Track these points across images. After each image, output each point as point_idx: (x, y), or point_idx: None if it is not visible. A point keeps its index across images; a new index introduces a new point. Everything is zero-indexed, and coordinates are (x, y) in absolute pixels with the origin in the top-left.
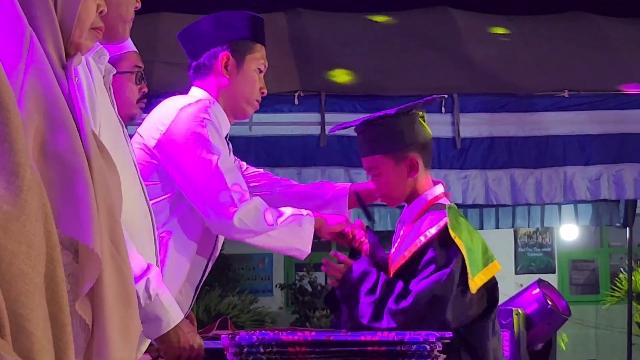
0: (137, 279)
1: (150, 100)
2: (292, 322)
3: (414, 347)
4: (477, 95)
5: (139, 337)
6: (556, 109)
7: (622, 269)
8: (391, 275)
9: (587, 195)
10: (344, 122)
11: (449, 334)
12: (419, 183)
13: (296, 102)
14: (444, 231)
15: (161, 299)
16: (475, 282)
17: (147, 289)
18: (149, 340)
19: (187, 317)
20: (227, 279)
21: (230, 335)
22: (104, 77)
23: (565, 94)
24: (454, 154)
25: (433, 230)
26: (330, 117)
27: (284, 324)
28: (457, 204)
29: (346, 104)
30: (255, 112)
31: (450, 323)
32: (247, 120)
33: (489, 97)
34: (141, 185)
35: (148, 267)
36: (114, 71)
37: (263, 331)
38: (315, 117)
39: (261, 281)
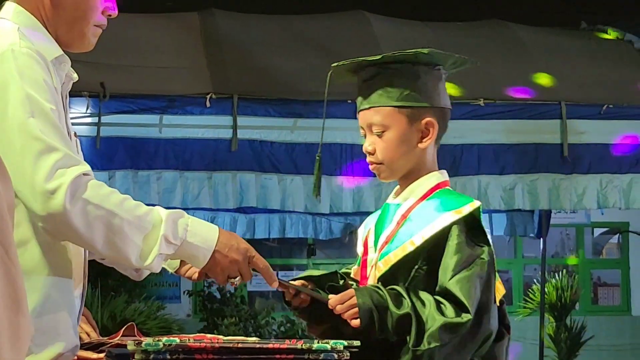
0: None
1: None
2: (200, 330)
3: (322, 355)
4: None
5: (29, 343)
6: (471, 117)
7: (535, 280)
8: (384, 266)
9: (501, 205)
10: (255, 125)
11: (357, 342)
12: (426, 159)
13: (208, 104)
14: (473, 215)
15: (188, 239)
16: (499, 289)
17: (167, 241)
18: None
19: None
20: (134, 284)
21: (136, 342)
22: (63, 84)
23: (481, 102)
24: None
25: (459, 213)
26: (242, 120)
27: (191, 332)
28: (370, 212)
29: (259, 108)
30: (166, 114)
31: (492, 334)
32: (157, 122)
33: None
34: None
35: (161, 220)
36: (75, 79)
37: (170, 338)
38: (227, 120)
39: (169, 287)
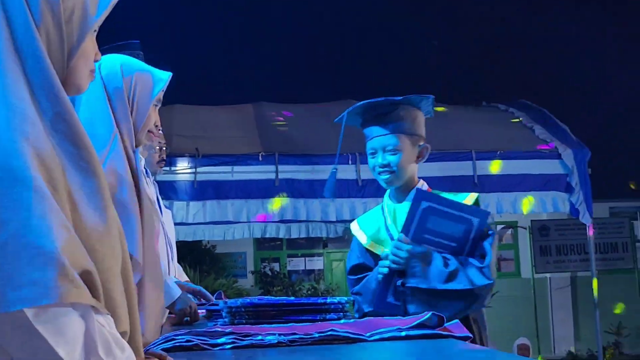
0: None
1: (170, 159)
2: (259, 294)
3: (332, 306)
4: None
5: (163, 309)
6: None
7: None
8: None
9: None
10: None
11: (354, 298)
12: (415, 173)
13: (260, 159)
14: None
15: (169, 284)
16: None
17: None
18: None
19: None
20: (218, 268)
21: (224, 301)
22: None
23: None
24: (357, 189)
25: (468, 202)
26: (281, 167)
27: (255, 296)
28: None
29: (291, 159)
30: (235, 165)
31: None
32: (230, 170)
33: None
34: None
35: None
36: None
37: (243, 298)
38: (272, 168)
39: (240, 269)
